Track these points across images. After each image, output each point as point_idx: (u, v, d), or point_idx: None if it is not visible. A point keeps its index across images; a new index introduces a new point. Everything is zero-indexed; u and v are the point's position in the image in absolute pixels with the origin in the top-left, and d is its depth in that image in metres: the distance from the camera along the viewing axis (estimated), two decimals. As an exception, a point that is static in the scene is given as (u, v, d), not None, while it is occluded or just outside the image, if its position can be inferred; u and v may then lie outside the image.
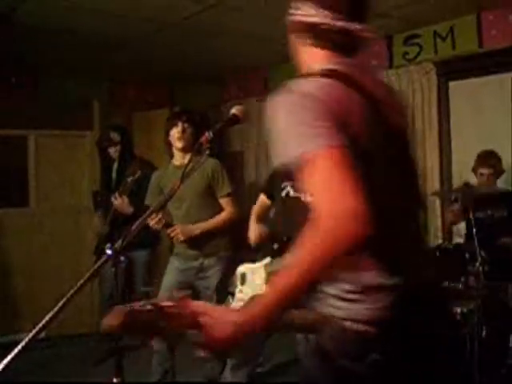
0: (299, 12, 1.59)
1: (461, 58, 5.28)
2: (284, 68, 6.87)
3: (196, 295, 3.92)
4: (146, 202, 4.00)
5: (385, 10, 4.88)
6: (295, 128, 1.35)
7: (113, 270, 3.37)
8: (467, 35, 5.16)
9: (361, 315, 1.35)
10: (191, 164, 1.87)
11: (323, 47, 1.58)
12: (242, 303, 3.07)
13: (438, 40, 5.37)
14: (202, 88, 7.31)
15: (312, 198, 1.31)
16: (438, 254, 4.29)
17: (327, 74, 1.47)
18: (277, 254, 3.02)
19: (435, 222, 5.41)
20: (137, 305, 1.26)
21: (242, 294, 3.10)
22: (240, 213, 3.91)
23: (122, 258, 3.63)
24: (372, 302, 1.35)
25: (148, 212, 1.81)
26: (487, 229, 4.10)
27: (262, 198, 3.52)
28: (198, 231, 3.79)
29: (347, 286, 1.37)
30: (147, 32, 5.25)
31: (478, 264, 3.91)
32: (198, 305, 1.31)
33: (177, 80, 7.18)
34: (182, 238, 3.76)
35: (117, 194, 4.59)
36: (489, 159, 4.44)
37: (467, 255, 4.11)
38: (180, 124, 3.83)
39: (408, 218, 1.53)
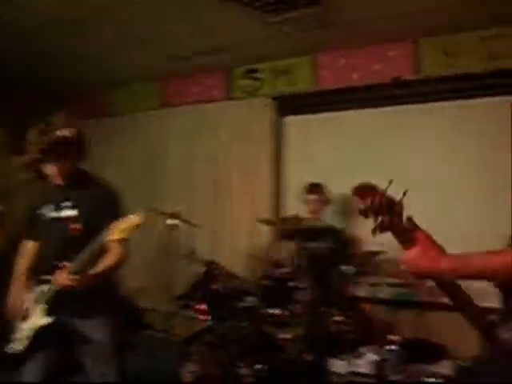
0: None
1: (297, 95, 5.55)
2: (125, 91, 6.78)
3: None
4: None
5: (225, 44, 5.03)
6: None
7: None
8: (303, 74, 5.46)
9: None
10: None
11: None
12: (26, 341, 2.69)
13: (277, 76, 5.61)
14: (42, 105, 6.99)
15: None
16: (267, 282, 4.42)
17: None
18: (46, 282, 2.73)
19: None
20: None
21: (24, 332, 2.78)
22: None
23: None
24: None
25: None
26: (313, 259, 4.29)
27: (29, 244, 2.96)
28: None
29: None
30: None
31: (304, 292, 4.09)
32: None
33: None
34: None
35: None
36: (314, 188, 4.68)
37: (294, 283, 4.27)
38: None
39: None
